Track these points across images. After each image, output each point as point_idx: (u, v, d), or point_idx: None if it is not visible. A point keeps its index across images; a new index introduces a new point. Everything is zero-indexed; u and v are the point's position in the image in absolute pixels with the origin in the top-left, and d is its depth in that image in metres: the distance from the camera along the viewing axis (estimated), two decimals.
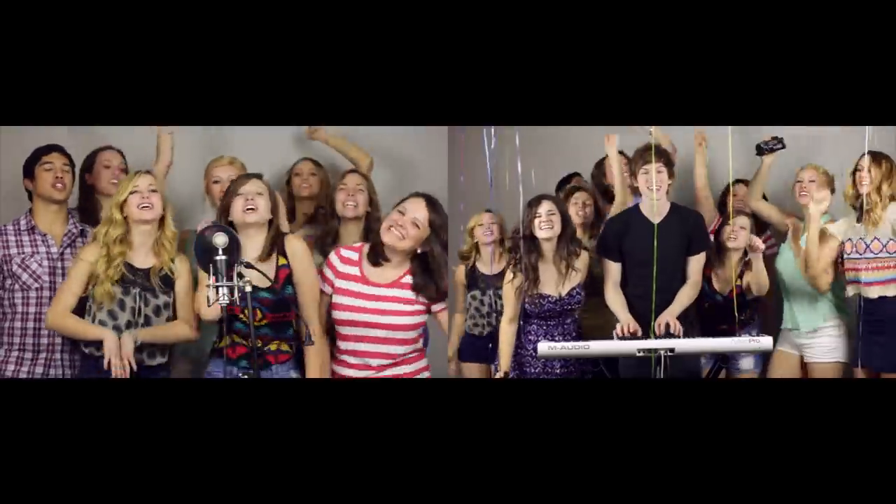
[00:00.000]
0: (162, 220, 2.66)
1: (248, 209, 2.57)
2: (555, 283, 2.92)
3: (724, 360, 2.72)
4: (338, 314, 2.65)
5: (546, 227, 2.87)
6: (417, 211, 2.63)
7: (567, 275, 2.92)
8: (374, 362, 2.65)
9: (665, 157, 2.92)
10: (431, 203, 2.68)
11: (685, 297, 2.91)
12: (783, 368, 3.15)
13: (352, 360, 2.66)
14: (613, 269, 2.96)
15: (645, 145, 2.91)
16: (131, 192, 2.61)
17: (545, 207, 2.89)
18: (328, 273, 2.68)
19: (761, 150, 3.22)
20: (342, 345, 2.68)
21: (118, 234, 2.61)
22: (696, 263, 2.95)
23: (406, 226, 2.61)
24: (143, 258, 2.65)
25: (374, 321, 2.64)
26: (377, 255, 2.66)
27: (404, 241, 2.61)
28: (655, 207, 2.90)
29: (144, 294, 2.61)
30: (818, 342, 3.10)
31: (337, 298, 2.66)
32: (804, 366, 3.15)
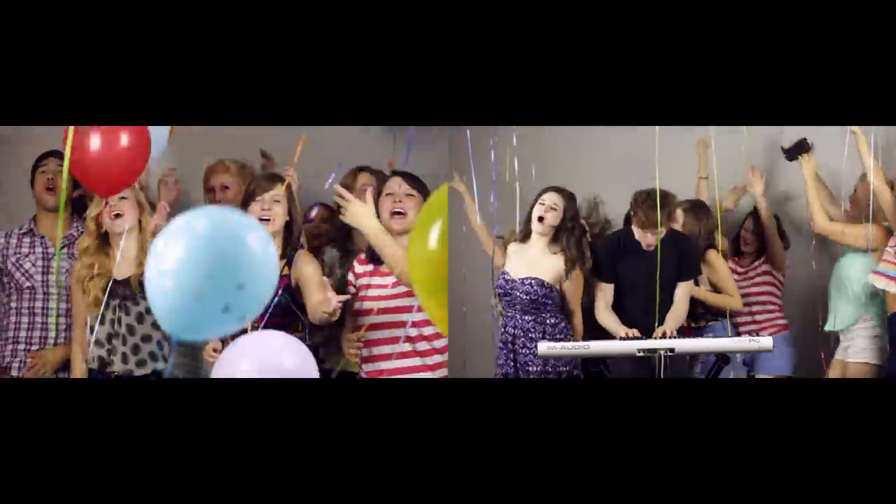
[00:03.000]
0: (141, 225, 2.70)
1: (262, 220, 2.54)
2: (521, 269, 2.93)
3: (725, 359, 2.72)
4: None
5: (542, 214, 2.90)
6: (401, 185, 2.67)
7: (532, 262, 2.95)
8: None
9: (668, 211, 2.89)
10: (404, 175, 2.72)
11: (675, 318, 2.88)
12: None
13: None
14: (606, 290, 2.95)
15: (651, 202, 2.84)
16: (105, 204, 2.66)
17: (551, 198, 2.91)
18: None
19: (791, 156, 3.20)
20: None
21: (91, 245, 2.69)
22: (682, 290, 2.92)
23: (403, 200, 2.65)
24: (123, 269, 2.68)
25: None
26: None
27: (408, 217, 2.64)
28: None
29: (125, 304, 2.63)
30: (853, 343, 3.10)
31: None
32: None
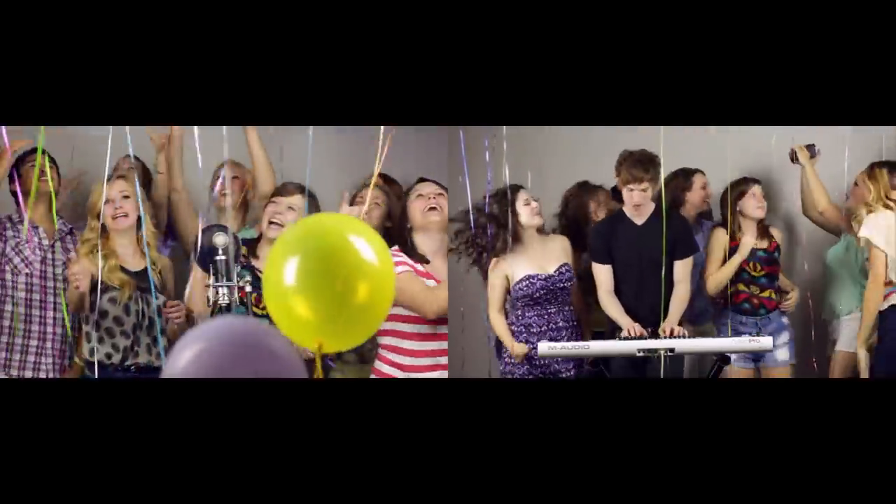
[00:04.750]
0: (139, 220, 2.75)
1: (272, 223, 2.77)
2: (537, 263, 2.93)
3: (725, 359, 2.73)
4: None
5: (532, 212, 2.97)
6: (430, 185, 2.90)
7: (547, 253, 2.98)
8: None
9: (652, 171, 2.91)
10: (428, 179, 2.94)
11: (678, 302, 2.91)
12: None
13: None
14: (604, 274, 2.96)
15: (636, 158, 2.90)
16: (106, 202, 2.72)
17: (525, 195, 2.95)
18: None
19: (793, 159, 3.34)
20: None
21: (97, 240, 2.72)
22: (682, 268, 2.95)
23: (436, 198, 2.85)
24: (132, 260, 2.71)
25: None
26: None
27: (444, 212, 2.86)
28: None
29: (145, 296, 2.65)
30: (844, 332, 3.20)
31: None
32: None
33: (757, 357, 3.10)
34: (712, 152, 3.46)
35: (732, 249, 3.14)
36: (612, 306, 2.90)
